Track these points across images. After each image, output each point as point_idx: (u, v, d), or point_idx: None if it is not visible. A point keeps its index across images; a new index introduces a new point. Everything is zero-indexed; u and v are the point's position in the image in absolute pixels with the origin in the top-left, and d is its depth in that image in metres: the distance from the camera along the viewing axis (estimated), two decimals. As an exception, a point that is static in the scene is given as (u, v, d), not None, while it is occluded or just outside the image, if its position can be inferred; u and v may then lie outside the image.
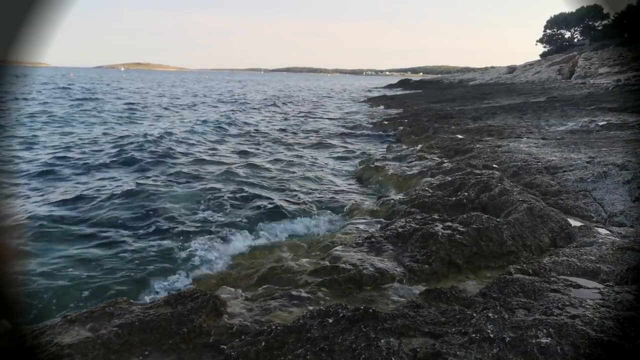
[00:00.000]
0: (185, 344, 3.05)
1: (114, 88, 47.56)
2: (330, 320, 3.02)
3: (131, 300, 3.62)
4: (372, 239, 5.18)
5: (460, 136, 12.78)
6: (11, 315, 3.87)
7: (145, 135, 14.10)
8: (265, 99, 37.34)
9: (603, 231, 5.04)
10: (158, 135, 14.20)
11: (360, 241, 5.28)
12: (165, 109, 26.06)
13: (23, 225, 6.49)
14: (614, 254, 4.14)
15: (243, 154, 12.70)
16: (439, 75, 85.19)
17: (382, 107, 28.55)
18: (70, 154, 11.63)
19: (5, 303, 4.02)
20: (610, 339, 2.62)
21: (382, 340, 2.76)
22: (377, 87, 65.63)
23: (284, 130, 17.86)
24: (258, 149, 13.55)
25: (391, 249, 4.91)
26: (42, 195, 8.09)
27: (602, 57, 36.60)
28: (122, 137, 14.17)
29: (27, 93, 31.25)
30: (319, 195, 8.19)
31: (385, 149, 13.02)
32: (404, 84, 64.17)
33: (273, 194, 8.31)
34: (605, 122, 12.87)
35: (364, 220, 6.45)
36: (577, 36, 54.71)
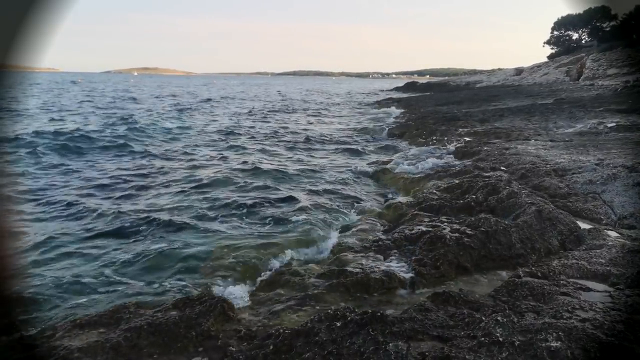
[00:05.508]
0: (193, 347, 3.06)
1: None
2: (339, 324, 3.02)
3: (140, 304, 3.64)
4: (380, 242, 5.18)
5: (467, 138, 12.73)
6: (19, 318, 3.90)
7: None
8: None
9: (613, 234, 4.99)
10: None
11: (367, 244, 5.28)
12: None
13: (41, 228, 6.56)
14: (624, 257, 4.10)
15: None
16: (446, 78, 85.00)
17: (389, 110, 28.50)
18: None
19: (12, 306, 4.05)
20: (621, 342, 2.60)
21: (390, 344, 2.75)
22: (383, 90, 65.49)
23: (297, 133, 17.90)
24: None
25: (399, 252, 4.90)
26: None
27: (610, 58, 36.32)
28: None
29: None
30: (325, 199, 8.19)
31: (392, 152, 13.01)
32: (410, 86, 63.97)
33: (277, 200, 8.32)
34: (614, 124, 12.77)
35: (371, 223, 6.43)
36: (585, 37, 54.37)
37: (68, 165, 11.32)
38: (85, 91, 48.34)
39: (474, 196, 6.30)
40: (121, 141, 14.76)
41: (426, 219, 5.74)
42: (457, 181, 7.24)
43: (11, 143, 13.71)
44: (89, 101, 33.73)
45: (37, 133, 15.09)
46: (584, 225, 5.28)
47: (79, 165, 11.37)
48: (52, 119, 20.50)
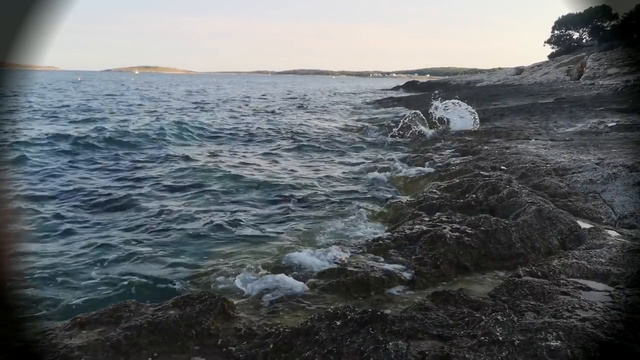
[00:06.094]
0: (193, 346, 3.06)
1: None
2: (338, 323, 3.02)
3: (140, 303, 3.64)
4: (380, 241, 5.17)
5: (468, 138, 12.72)
6: (18, 317, 3.90)
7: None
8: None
9: (613, 233, 4.99)
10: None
11: (368, 243, 5.28)
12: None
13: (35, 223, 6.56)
14: (624, 256, 4.10)
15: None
16: (446, 77, 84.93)
17: (389, 109, 28.50)
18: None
19: (12, 305, 4.05)
20: (621, 342, 2.60)
21: (390, 343, 2.75)
22: (384, 89, 65.40)
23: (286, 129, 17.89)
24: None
25: (399, 251, 4.90)
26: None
27: (611, 57, 36.30)
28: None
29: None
30: (325, 198, 8.19)
31: (392, 151, 13.00)
32: (411, 85, 63.88)
33: (276, 200, 8.33)
34: (614, 123, 12.76)
35: (371, 222, 6.44)
36: (586, 37, 54.36)
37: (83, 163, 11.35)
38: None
39: (474, 195, 6.30)
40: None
41: (426, 218, 5.73)
42: (457, 180, 7.23)
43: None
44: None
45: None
46: (584, 225, 5.28)
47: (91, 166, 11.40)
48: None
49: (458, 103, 16.71)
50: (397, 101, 34.15)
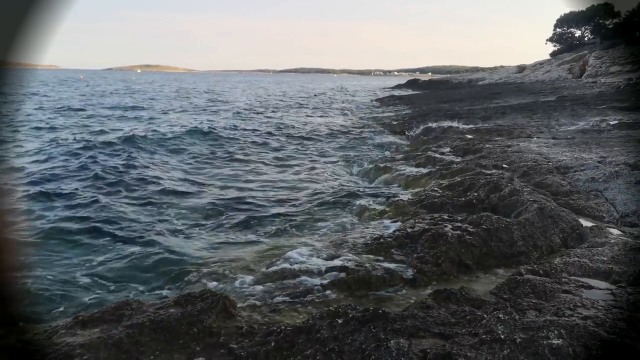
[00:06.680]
0: (195, 344, 3.06)
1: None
2: (340, 321, 3.02)
3: (142, 301, 3.64)
4: (382, 240, 5.17)
5: (469, 136, 12.70)
6: (21, 316, 3.91)
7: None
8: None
9: (615, 231, 4.98)
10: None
11: (369, 242, 5.27)
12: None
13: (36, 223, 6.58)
14: (626, 255, 4.09)
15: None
16: (448, 75, 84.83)
17: (390, 107, 28.49)
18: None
19: (14, 304, 4.06)
20: (622, 340, 2.60)
21: (392, 341, 2.75)
22: (385, 88, 65.34)
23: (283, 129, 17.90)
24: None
25: (400, 250, 4.90)
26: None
27: (613, 55, 36.24)
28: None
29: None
30: (326, 196, 8.18)
31: (394, 150, 12.99)
32: (412, 84, 63.83)
33: (277, 199, 8.33)
34: (616, 122, 12.73)
35: (373, 221, 6.43)
36: (588, 35, 54.18)
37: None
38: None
39: (475, 194, 6.29)
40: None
41: (428, 217, 5.73)
42: (458, 179, 7.22)
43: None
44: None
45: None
46: (586, 223, 5.27)
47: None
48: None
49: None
50: (399, 99, 34.16)
